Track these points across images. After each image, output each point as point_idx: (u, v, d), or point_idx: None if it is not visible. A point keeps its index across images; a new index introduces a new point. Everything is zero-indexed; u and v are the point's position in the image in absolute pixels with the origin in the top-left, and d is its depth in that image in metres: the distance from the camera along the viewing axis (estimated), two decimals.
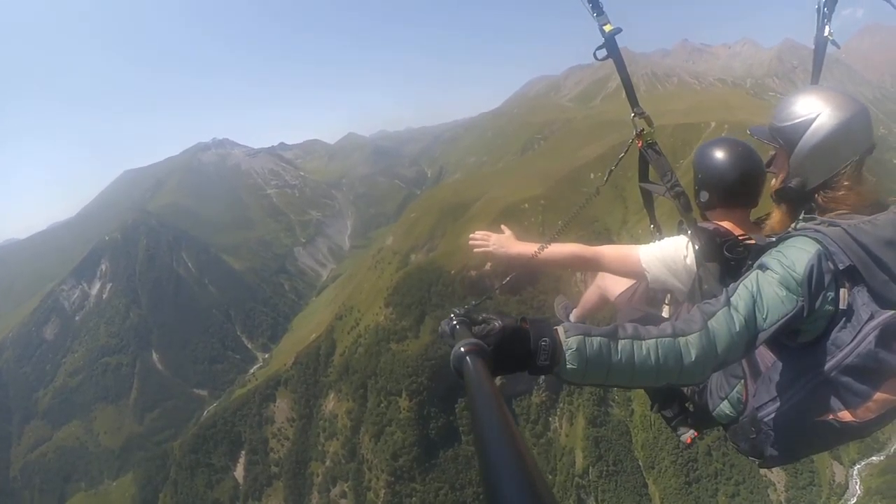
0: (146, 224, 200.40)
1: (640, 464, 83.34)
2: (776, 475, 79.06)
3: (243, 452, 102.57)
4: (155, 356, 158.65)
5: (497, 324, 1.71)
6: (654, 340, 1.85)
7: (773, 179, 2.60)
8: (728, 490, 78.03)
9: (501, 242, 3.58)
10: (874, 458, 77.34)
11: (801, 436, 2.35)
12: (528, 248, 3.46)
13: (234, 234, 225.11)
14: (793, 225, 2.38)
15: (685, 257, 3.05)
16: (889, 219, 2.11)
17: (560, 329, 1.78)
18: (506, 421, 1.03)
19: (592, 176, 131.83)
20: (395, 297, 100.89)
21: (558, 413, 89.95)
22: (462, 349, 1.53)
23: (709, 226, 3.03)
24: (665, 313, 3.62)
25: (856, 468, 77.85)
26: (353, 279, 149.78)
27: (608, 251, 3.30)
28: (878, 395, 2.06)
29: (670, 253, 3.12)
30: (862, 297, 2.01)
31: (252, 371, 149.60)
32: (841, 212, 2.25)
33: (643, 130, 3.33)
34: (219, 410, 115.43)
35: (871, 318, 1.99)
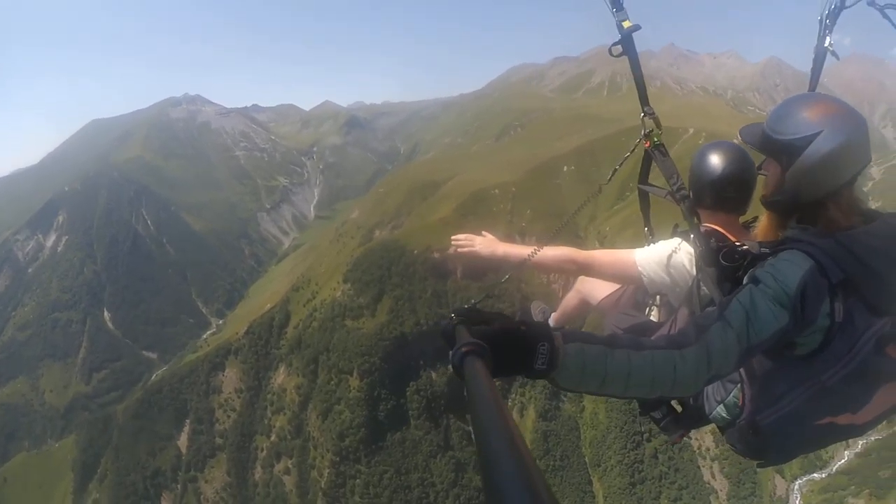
0: (108, 177, 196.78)
1: (587, 461, 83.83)
2: (719, 482, 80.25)
3: (188, 421, 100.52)
4: (106, 314, 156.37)
5: (497, 325, 1.71)
6: (649, 352, 1.87)
7: (764, 185, 2.58)
8: (671, 494, 78.76)
9: (487, 244, 3.61)
10: (816, 475, 78.38)
11: (799, 438, 2.42)
12: (513, 249, 3.52)
13: (198, 194, 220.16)
14: (783, 233, 2.38)
15: (682, 260, 3.10)
16: (880, 229, 2.16)
17: (559, 335, 1.78)
18: (506, 421, 1.04)
19: (566, 169, 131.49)
20: (355, 273, 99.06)
21: (510, 404, 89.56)
22: (463, 349, 1.53)
23: (708, 230, 3.02)
24: (653, 317, 3.60)
25: (797, 483, 78.88)
26: (315, 250, 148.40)
27: (601, 255, 3.34)
28: (877, 399, 2.18)
29: (667, 256, 3.14)
30: (857, 309, 2.06)
31: (205, 337, 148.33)
32: (830, 222, 2.26)
33: (651, 131, 3.33)
34: (166, 376, 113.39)
35: (868, 327, 2.06)
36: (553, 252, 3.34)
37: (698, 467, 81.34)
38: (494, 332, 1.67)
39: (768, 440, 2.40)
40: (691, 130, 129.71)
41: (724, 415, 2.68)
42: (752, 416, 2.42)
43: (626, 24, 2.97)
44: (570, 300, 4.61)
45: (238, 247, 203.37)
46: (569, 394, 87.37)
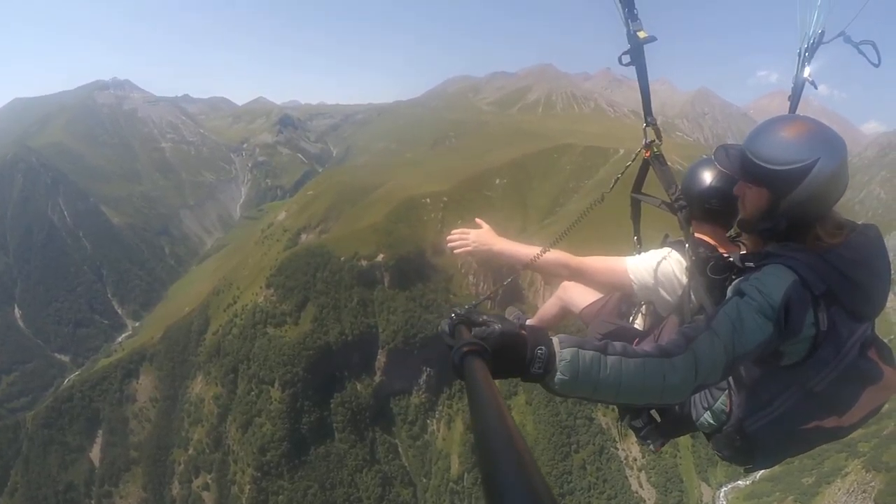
0: (26, 161, 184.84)
1: None
2: (647, 491, 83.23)
3: (101, 432, 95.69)
4: (17, 312, 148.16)
5: (497, 327, 1.72)
6: (640, 359, 1.90)
7: (742, 209, 2.57)
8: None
9: (482, 239, 3.52)
10: (740, 482, 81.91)
11: (786, 442, 2.48)
12: (510, 245, 3.47)
13: (118, 186, 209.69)
14: (766, 248, 2.42)
15: (672, 270, 3.15)
16: (858, 241, 2.25)
17: (555, 339, 1.81)
18: (506, 422, 1.04)
19: (498, 181, 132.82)
20: (278, 279, 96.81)
21: (437, 416, 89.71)
22: (464, 349, 1.55)
23: (699, 241, 3.10)
24: (638, 325, 3.61)
25: (722, 490, 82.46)
26: (239, 252, 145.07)
27: (593, 262, 3.34)
28: (862, 401, 2.28)
29: (659, 265, 3.20)
30: (840, 317, 2.15)
31: (120, 340, 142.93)
32: (810, 238, 2.32)
33: (653, 141, 3.40)
34: (76, 382, 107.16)
35: (851, 334, 2.18)
36: (547, 255, 3.27)
37: (626, 477, 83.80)
38: (494, 334, 1.68)
39: (756, 445, 2.47)
40: (622, 151, 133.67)
41: (711, 421, 2.71)
42: (740, 422, 2.48)
43: (641, 35, 2.99)
44: (550, 307, 4.59)
45: (158, 244, 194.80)
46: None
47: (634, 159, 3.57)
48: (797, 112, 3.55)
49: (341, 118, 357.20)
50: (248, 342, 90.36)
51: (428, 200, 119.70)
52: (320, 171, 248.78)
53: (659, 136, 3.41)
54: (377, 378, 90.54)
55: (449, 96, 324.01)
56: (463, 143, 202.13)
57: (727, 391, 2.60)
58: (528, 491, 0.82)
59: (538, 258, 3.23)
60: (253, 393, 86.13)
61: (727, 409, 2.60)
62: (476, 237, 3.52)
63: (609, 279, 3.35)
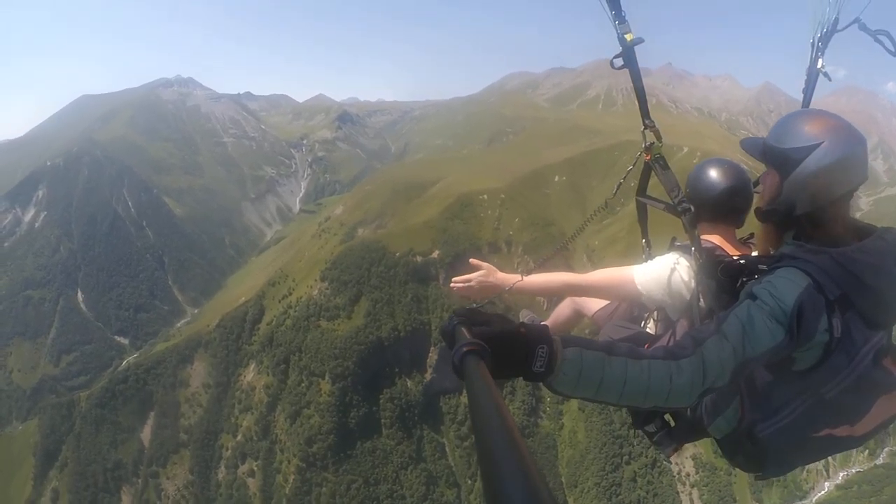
0: (91, 154, 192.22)
1: (563, 481, 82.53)
2: None
3: (152, 414, 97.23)
4: (80, 296, 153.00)
5: (497, 327, 1.72)
6: (646, 361, 1.90)
7: (760, 197, 2.66)
8: None
9: (485, 277, 3.54)
10: None
11: (798, 450, 2.46)
12: (513, 277, 3.47)
13: (181, 178, 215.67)
14: (779, 249, 2.41)
15: (681, 275, 3.12)
16: (875, 245, 2.19)
17: (558, 339, 1.81)
18: (507, 422, 1.05)
19: (557, 179, 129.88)
20: (333, 272, 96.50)
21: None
22: (464, 348, 1.54)
23: (707, 244, 3.13)
24: (650, 329, 3.64)
25: None
26: (296, 245, 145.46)
27: (599, 277, 3.33)
28: (874, 411, 2.23)
29: (667, 273, 3.16)
30: (854, 323, 2.10)
31: (178, 325, 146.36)
32: (825, 238, 2.28)
33: (653, 144, 3.35)
34: (132, 365, 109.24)
35: (866, 341, 2.12)
36: (551, 278, 3.36)
37: (677, 493, 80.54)
38: (495, 333, 1.68)
39: (767, 452, 2.45)
40: (685, 149, 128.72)
41: (723, 426, 2.69)
42: (751, 428, 2.46)
43: (628, 37, 2.96)
44: (562, 310, 4.60)
45: (219, 235, 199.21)
46: (547, 411, 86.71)
47: (635, 163, 3.49)
48: (810, 105, 3.52)
49: (399, 115, 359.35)
50: (301, 334, 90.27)
51: (485, 197, 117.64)
52: (378, 166, 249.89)
53: (659, 138, 3.26)
54: (428, 375, 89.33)
55: (506, 93, 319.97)
56: (520, 139, 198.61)
57: (738, 397, 2.55)
58: (528, 491, 0.83)
59: (534, 283, 3.28)
60: (303, 384, 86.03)
61: (739, 415, 2.55)
62: (477, 277, 3.49)
63: (618, 292, 3.32)
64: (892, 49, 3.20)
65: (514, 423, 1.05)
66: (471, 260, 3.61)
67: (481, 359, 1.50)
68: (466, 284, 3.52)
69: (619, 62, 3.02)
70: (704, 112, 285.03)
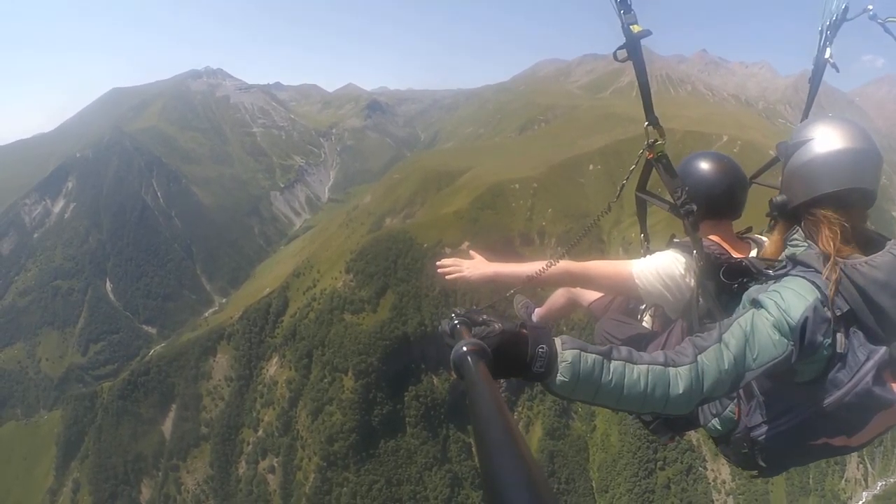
0: (121, 145, 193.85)
1: (594, 486, 79.88)
2: None
3: (174, 406, 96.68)
4: (108, 285, 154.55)
5: (497, 326, 1.74)
6: (645, 367, 1.90)
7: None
8: None
9: (475, 267, 3.41)
10: None
11: (793, 455, 2.51)
12: (504, 268, 3.36)
13: (210, 168, 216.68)
14: (784, 252, 2.44)
15: (679, 273, 3.07)
16: (885, 261, 2.12)
17: (558, 340, 1.82)
18: (507, 422, 1.05)
19: (591, 168, 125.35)
20: (359, 264, 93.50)
21: (516, 417, 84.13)
22: (464, 348, 1.55)
23: (707, 243, 3.04)
24: (646, 323, 3.61)
25: None
26: (323, 234, 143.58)
27: (598, 267, 3.25)
28: (873, 424, 2.22)
29: (666, 269, 3.10)
30: (858, 339, 2.09)
31: (206, 315, 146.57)
32: (825, 241, 2.27)
33: (655, 141, 3.15)
34: (154, 357, 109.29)
35: (869, 357, 2.08)
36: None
37: (712, 500, 77.65)
38: (494, 333, 1.71)
39: (763, 455, 2.48)
40: (725, 138, 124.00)
41: (719, 427, 2.70)
42: (748, 432, 2.49)
43: (635, 29, 2.77)
44: (557, 298, 4.41)
45: (248, 224, 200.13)
46: (579, 412, 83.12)
47: (637, 162, 3.29)
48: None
49: (429, 103, 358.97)
50: (325, 328, 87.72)
51: (517, 186, 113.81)
52: (408, 155, 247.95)
53: (662, 136, 3.05)
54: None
55: (538, 80, 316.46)
56: (553, 127, 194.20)
57: (736, 399, 2.60)
58: (528, 491, 0.82)
59: (542, 272, 3.09)
60: (326, 380, 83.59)
61: (736, 418, 2.59)
62: (469, 265, 3.36)
63: (615, 285, 3.23)
64: None
65: (515, 425, 1.05)
66: (470, 251, 3.48)
67: (481, 359, 1.50)
68: (455, 269, 3.32)
69: (622, 54, 2.77)
70: (742, 99, 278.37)
